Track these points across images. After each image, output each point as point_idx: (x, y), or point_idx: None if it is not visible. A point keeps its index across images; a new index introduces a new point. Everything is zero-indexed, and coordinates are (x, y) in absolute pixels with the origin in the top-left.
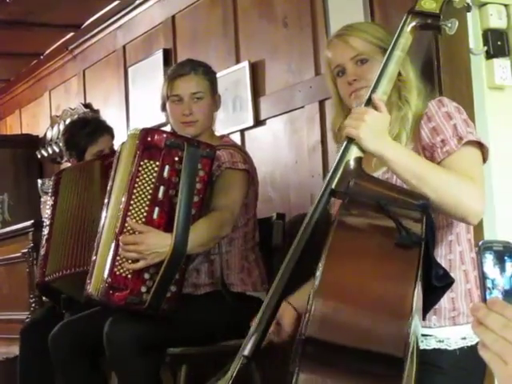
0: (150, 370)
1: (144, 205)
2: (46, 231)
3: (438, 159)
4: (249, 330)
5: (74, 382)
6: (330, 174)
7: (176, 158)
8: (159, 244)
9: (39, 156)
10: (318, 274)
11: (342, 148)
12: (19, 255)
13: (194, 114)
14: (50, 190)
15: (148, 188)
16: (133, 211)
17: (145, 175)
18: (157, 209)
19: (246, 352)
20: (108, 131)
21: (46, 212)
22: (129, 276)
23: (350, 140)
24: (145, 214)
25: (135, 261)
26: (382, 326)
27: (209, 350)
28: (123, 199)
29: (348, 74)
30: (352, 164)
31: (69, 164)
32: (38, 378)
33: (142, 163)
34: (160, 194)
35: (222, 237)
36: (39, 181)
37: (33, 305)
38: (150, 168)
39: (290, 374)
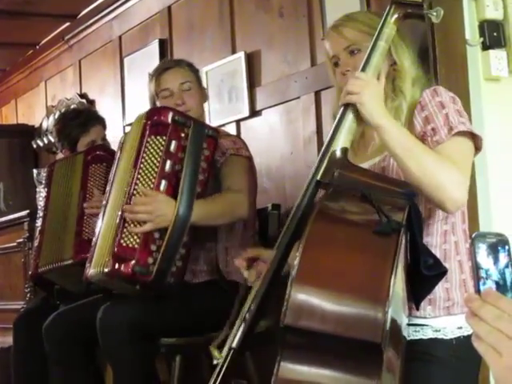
0: (143, 357)
1: (151, 177)
2: (39, 222)
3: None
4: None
5: (68, 371)
6: (316, 165)
7: (182, 135)
8: (166, 207)
9: (35, 146)
10: (295, 262)
11: (339, 115)
12: (14, 245)
13: (186, 104)
14: (44, 182)
15: (155, 161)
16: (140, 179)
17: (152, 150)
18: (163, 181)
19: (234, 344)
20: (99, 121)
21: (39, 203)
22: (136, 246)
23: (347, 107)
24: (152, 186)
25: (143, 224)
26: (359, 311)
27: (203, 340)
28: (130, 175)
29: (341, 65)
30: (338, 154)
31: (61, 155)
32: (31, 367)
33: (149, 139)
34: (167, 168)
35: (235, 217)
36: (35, 171)
37: (28, 294)
38: (157, 143)
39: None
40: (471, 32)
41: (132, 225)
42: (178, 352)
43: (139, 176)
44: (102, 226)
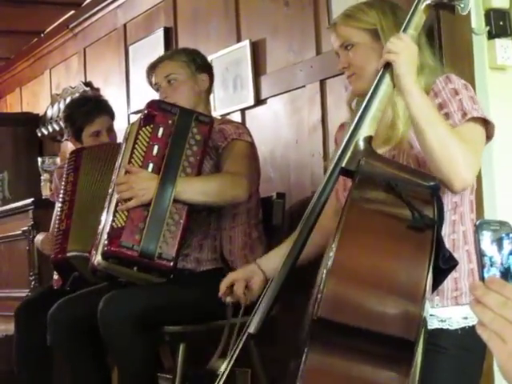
0: (144, 347)
1: (139, 161)
2: (64, 207)
3: None
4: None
5: (73, 360)
6: (339, 152)
7: (170, 122)
8: (148, 182)
9: (39, 134)
10: (331, 253)
11: (377, 78)
12: (19, 233)
13: (169, 97)
14: (67, 167)
15: (144, 148)
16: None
17: (141, 139)
18: (151, 164)
19: (252, 330)
20: (106, 112)
21: (61, 188)
22: (123, 225)
23: (386, 69)
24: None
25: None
26: (395, 308)
27: (207, 327)
28: (125, 165)
29: (339, 62)
30: (361, 144)
31: (68, 142)
32: (34, 355)
33: (140, 131)
34: (154, 152)
35: (233, 196)
36: (39, 159)
37: (33, 282)
38: (146, 132)
39: (297, 355)
40: (477, 21)
41: (120, 204)
42: (183, 340)
43: (132, 161)
44: (107, 214)
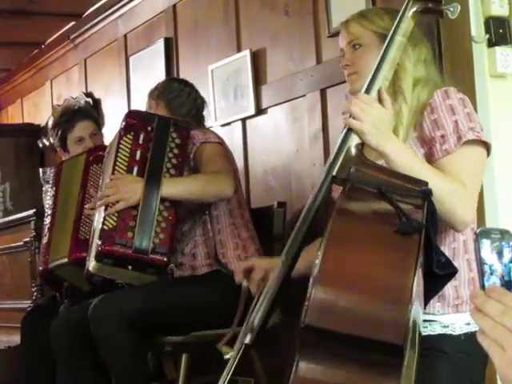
0: (133, 349)
1: (123, 166)
2: (47, 220)
3: (436, 156)
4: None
5: (75, 371)
6: (331, 161)
7: (149, 128)
8: (134, 184)
9: (41, 145)
10: (317, 261)
11: (342, 135)
12: (21, 244)
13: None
14: (51, 181)
15: (127, 155)
16: (115, 173)
17: (124, 147)
18: (135, 168)
19: (247, 340)
20: (87, 116)
21: (47, 202)
22: (115, 225)
23: (351, 129)
24: (124, 173)
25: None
26: (382, 313)
27: (209, 337)
28: (109, 175)
29: (344, 59)
30: (353, 151)
31: (61, 155)
32: (41, 365)
33: (121, 141)
34: (137, 157)
35: (220, 191)
36: (41, 170)
37: (35, 294)
38: (127, 141)
39: (291, 363)
40: (477, 29)
41: (108, 208)
42: (185, 350)
43: (115, 168)
44: (96, 223)
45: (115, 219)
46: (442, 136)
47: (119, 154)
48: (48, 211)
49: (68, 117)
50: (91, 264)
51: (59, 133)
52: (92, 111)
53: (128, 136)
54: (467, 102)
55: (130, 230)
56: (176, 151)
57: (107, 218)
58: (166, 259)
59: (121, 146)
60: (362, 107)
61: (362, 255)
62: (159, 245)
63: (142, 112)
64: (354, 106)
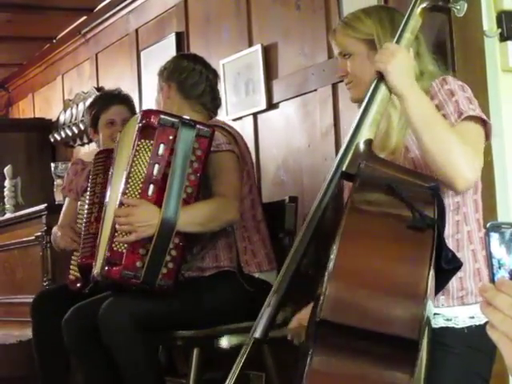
0: (144, 351)
1: (139, 182)
2: (94, 209)
3: None
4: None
5: (86, 364)
6: (340, 156)
7: (170, 137)
8: (149, 216)
9: (52, 140)
10: (332, 256)
11: (372, 87)
12: (33, 239)
13: None
14: (95, 167)
15: (143, 166)
16: (129, 189)
17: (141, 154)
18: (151, 186)
19: (257, 334)
20: (124, 102)
21: (89, 188)
22: (124, 251)
23: (380, 79)
24: (139, 191)
25: (129, 234)
26: (397, 308)
27: (219, 331)
28: (122, 180)
29: (338, 69)
30: (362, 146)
31: (81, 148)
32: (51, 352)
33: (138, 143)
34: (155, 172)
35: (227, 220)
36: (52, 164)
37: (46, 288)
38: (145, 147)
39: (303, 357)
40: (489, 23)
41: (120, 235)
42: (196, 345)
43: (129, 180)
44: (104, 226)
45: (126, 245)
46: (443, 115)
47: (134, 164)
48: (92, 199)
49: (106, 98)
50: (96, 273)
51: (93, 112)
52: (130, 99)
53: (146, 141)
54: (467, 88)
55: (139, 259)
56: (196, 165)
57: (118, 237)
58: (171, 286)
59: (137, 152)
60: (392, 50)
61: (377, 250)
62: (166, 277)
63: (164, 113)
64: (384, 50)
